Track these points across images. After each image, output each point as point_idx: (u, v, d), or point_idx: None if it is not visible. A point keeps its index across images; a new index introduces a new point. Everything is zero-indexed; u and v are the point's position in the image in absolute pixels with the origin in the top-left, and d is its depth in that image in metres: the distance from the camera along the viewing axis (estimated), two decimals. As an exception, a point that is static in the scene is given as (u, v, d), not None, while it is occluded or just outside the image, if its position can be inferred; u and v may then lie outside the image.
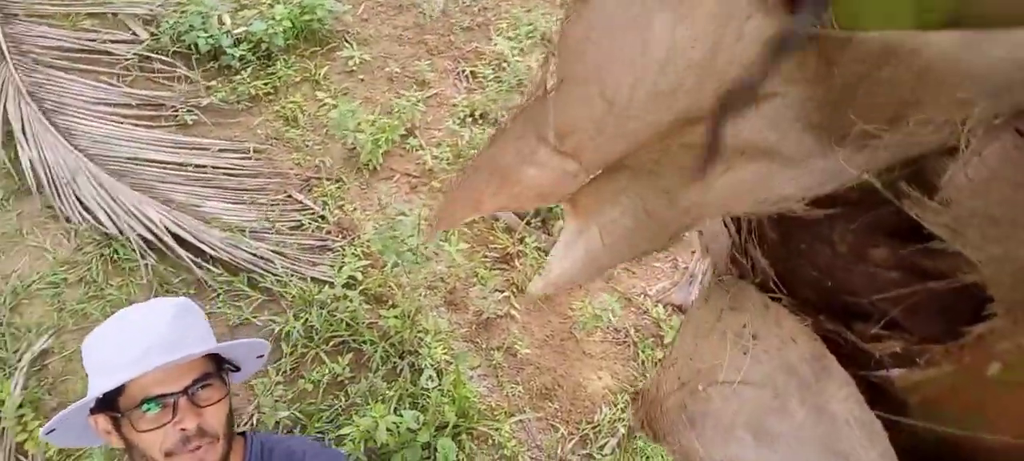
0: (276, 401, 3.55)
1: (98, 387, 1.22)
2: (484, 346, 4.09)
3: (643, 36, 0.59)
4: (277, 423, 3.54)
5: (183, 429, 1.23)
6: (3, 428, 3.49)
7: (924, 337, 0.68)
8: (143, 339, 1.23)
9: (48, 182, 4.37)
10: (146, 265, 4.07)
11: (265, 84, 4.92)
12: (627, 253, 0.86)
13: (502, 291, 4.30)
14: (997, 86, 0.46)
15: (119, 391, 1.23)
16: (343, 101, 4.76)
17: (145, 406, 1.21)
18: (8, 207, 4.37)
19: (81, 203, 4.29)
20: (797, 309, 0.79)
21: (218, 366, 1.34)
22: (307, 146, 4.70)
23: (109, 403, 1.24)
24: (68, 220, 4.27)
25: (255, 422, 3.56)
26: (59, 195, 4.34)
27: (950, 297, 0.63)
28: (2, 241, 4.23)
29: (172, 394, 1.22)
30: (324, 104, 4.84)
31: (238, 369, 1.42)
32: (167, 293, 4.03)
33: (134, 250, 4.09)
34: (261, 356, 1.45)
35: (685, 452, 1.08)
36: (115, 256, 4.14)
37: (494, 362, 4.00)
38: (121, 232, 4.16)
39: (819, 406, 0.82)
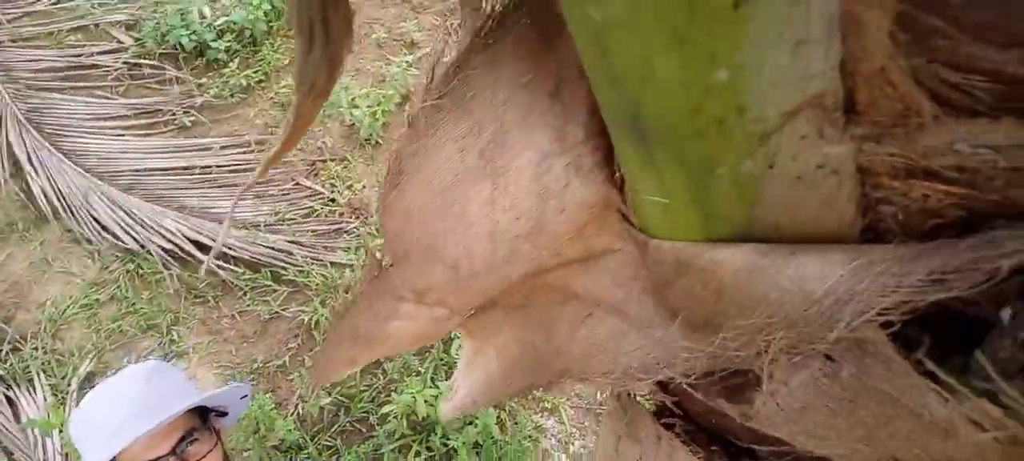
0: (317, 390, 3.66)
1: None
2: (509, 303, 4.14)
3: (463, 218, 0.58)
4: (322, 408, 3.65)
5: None
6: (65, 453, 3.65)
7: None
8: (119, 411, 1.25)
9: (63, 207, 4.44)
10: (171, 275, 4.15)
11: (255, 72, 4.88)
12: (520, 381, 0.84)
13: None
14: (791, 316, 0.43)
15: None
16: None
17: None
18: (30, 237, 4.45)
19: (98, 223, 4.36)
20: (691, 438, 0.75)
21: (203, 417, 1.35)
22: (307, 133, 4.69)
23: None
24: (89, 242, 4.35)
25: (300, 411, 3.68)
26: (76, 218, 4.41)
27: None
28: (31, 271, 4.33)
29: (161, 457, 1.25)
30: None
31: (226, 413, 1.44)
32: (196, 300, 4.12)
33: (157, 261, 4.16)
34: (245, 397, 1.47)
35: None
36: (140, 270, 4.22)
37: (521, 317, 4.05)
38: (142, 246, 4.23)
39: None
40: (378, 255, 0.66)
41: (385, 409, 3.54)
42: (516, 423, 3.56)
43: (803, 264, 0.40)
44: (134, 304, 4.13)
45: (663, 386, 0.73)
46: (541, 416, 3.65)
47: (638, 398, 0.79)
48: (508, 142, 0.54)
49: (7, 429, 3.70)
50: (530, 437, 3.53)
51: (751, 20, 0.33)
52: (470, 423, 3.50)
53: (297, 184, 4.50)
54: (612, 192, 0.53)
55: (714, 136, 0.38)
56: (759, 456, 0.64)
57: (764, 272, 0.41)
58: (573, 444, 3.54)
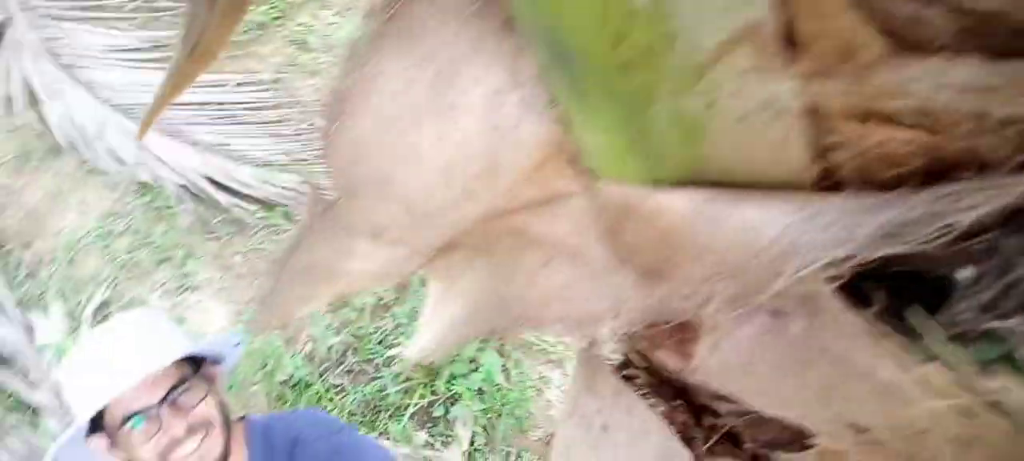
0: (326, 328, 3.68)
1: (79, 416, 1.27)
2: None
3: (415, 154, 0.56)
4: (330, 347, 3.68)
5: (172, 435, 1.27)
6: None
7: (769, 442, 0.64)
8: (108, 362, 1.26)
9: (79, 137, 4.46)
10: (185, 209, 4.18)
11: (270, 8, 4.83)
12: (481, 326, 0.82)
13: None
14: (736, 266, 0.40)
15: (102, 414, 1.28)
16: (351, 17, 4.67)
17: (130, 423, 1.25)
18: (46, 167, 4.50)
19: (114, 155, 4.38)
20: (654, 391, 0.75)
21: (196, 365, 1.35)
22: (322, 69, 4.66)
23: (97, 426, 1.29)
24: (105, 173, 4.38)
25: (310, 350, 3.71)
26: (91, 149, 4.44)
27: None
28: (46, 201, 4.37)
29: (152, 406, 1.25)
30: (332, 22, 4.74)
31: (221, 361, 1.44)
32: (210, 235, 4.14)
33: (171, 196, 4.19)
34: (239, 344, 1.46)
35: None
36: (155, 203, 4.25)
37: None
38: (156, 180, 4.26)
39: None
40: (321, 189, 0.63)
41: (392, 352, 3.57)
42: (521, 372, 3.58)
43: (748, 212, 0.37)
44: (148, 236, 4.17)
45: (627, 337, 0.71)
46: (546, 367, 3.65)
47: (600, 350, 0.77)
48: (458, 75, 0.51)
49: (23, 351, 3.78)
50: (534, 386, 3.54)
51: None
52: (475, 370, 3.52)
53: (313, 125, 4.47)
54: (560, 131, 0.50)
55: (643, 69, 0.34)
56: (719, 413, 0.62)
57: (708, 219, 0.38)
58: (576, 394, 3.56)
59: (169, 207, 4.21)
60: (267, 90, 4.61)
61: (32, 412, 3.59)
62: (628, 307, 0.50)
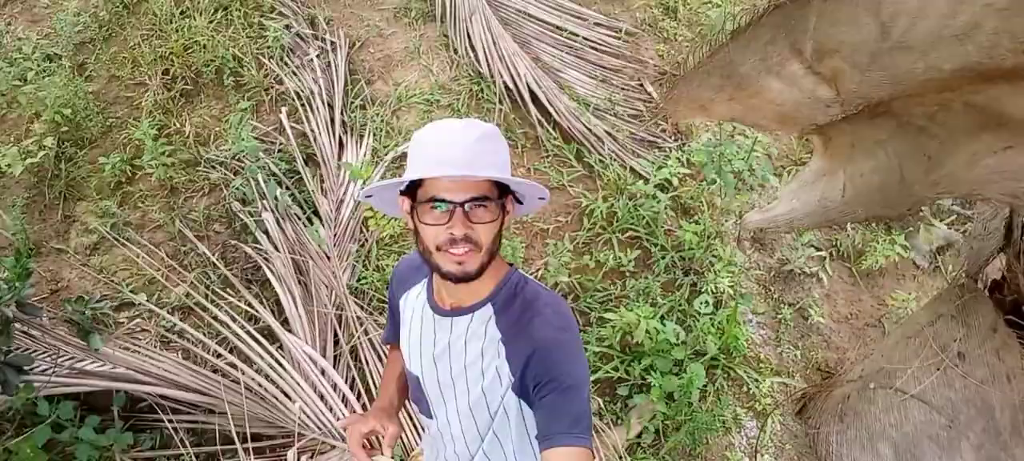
0: (562, 265, 3.73)
1: (407, 175, 1.44)
2: (776, 297, 3.81)
3: None
4: (556, 284, 3.73)
5: (452, 233, 1.40)
6: (358, 202, 4.14)
7: None
8: (447, 149, 1.39)
9: (449, 12, 4.96)
10: (500, 110, 4.46)
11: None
12: (861, 214, 0.75)
13: (818, 248, 3.93)
14: None
15: (420, 184, 1.43)
16: (727, 3, 4.59)
17: (432, 204, 1.40)
18: (416, 27, 5.07)
19: (470, 40, 4.81)
20: None
21: (501, 193, 1.46)
22: (676, 40, 4.66)
23: (412, 190, 1.45)
24: (455, 51, 4.83)
25: (540, 275, 3.80)
26: (455, 27, 4.91)
27: None
28: (401, 53, 4.93)
29: (452, 202, 1.39)
30: (708, 2, 4.70)
31: (520, 203, 1.55)
32: (511, 140, 4.39)
33: (495, 93, 4.50)
34: (543, 199, 1.55)
35: (817, 442, 0.96)
36: (480, 93, 4.60)
37: (780, 316, 3.72)
38: (491, 75, 4.59)
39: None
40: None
41: (607, 315, 3.52)
42: (720, 403, 3.33)
43: None
44: (462, 118, 4.51)
45: None
46: (746, 413, 3.36)
47: (984, 287, 0.69)
48: None
49: (329, 160, 4.31)
50: (724, 422, 3.28)
51: None
52: (676, 374, 3.34)
53: (641, 85, 4.51)
54: None
55: None
56: None
57: None
58: (761, 456, 3.22)
59: (489, 101, 4.53)
60: (619, 38, 4.73)
61: (312, 213, 4.08)
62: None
